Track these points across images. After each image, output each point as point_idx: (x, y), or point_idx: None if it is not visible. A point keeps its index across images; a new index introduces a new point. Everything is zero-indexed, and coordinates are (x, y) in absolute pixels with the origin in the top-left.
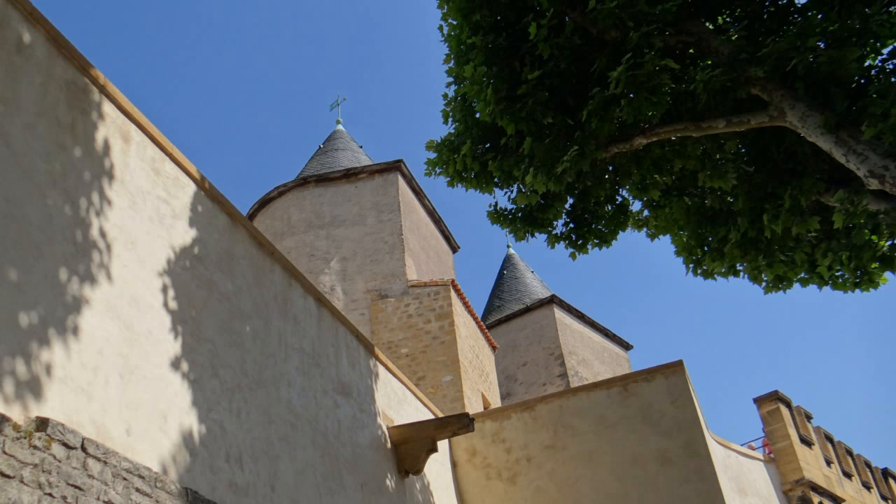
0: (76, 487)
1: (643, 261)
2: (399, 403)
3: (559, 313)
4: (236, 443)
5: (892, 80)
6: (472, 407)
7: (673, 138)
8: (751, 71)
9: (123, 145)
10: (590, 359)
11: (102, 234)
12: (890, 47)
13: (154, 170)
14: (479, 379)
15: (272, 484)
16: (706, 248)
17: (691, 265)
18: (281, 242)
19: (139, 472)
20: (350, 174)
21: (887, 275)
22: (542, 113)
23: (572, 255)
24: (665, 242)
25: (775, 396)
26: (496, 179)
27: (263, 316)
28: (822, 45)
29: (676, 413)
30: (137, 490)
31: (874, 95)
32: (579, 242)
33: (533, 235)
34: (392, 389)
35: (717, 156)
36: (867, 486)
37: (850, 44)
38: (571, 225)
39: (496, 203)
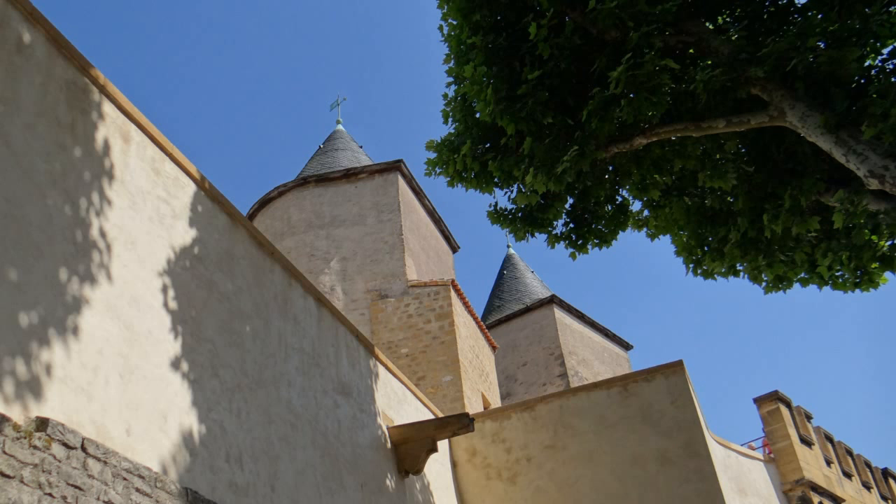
0: (76, 487)
1: (643, 261)
2: (399, 403)
3: (559, 313)
4: (236, 443)
5: (892, 80)
6: (472, 407)
7: (673, 138)
8: (751, 71)
9: (123, 145)
10: (590, 359)
11: (102, 234)
12: (890, 47)
13: (154, 170)
14: (479, 379)
15: (272, 484)
16: (706, 248)
17: (691, 265)
18: (281, 242)
19: (139, 472)
20: (350, 174)
21: (887, 275)
22: (542, 113)
23: (572, 255)
24: (665, 242)
25: (775, 396)
26: (496, 179)
27: (263, 316)
28: (822, 45)
29: (676, 413)
30: (137, 490)
31: (874, 95)
32: (579, 242)
33: (533, 235)
34: (392, 389)
35: (717, 156)
36: (867, 486)
37: (850, 44)
38: (571, 225)
39: (496, 203)
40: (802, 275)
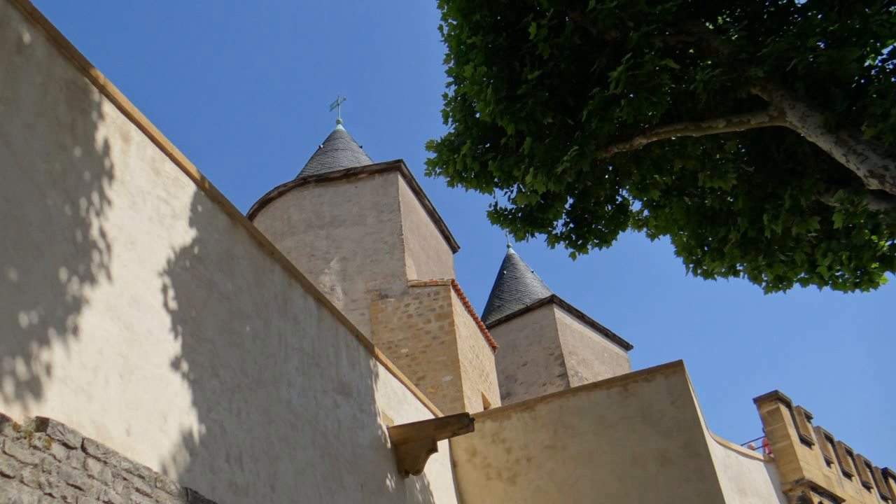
0: (76, 487)
1: (643, 261)
2: (399, 403)
3: (559, 313)
4: (236, 443)
5: (892, 80)
6: (472, 407)
7: (673, 138)
8: (751, 71)
9: (123, 145)
10: (590, 359)
11: (102, 234)
12: (890, 47)
13: (154, 170)
14: (479, 379)
15: (272, 484)
16: (706, 248)
17: (691, 265)
18: (281, 242)
19: (139, 472)
20: (350, 174)
21: (887, 275)
22: (542, 113)
23: (572, 255)
24: (665, 242)
25: (775, 396)
26: (496, 179)
27: (263, 316)
28: (822, 45)
29: (676, 413)
30: (137, 490)
31: (874, 95)
32: (579, 242)
33: (533, 235)
34: (392, 389)
35: (717, 156)
36: (867, 486)
37: (850, 44)
38: (571, 225)
39: (496, 203)
40: (802, 275)
